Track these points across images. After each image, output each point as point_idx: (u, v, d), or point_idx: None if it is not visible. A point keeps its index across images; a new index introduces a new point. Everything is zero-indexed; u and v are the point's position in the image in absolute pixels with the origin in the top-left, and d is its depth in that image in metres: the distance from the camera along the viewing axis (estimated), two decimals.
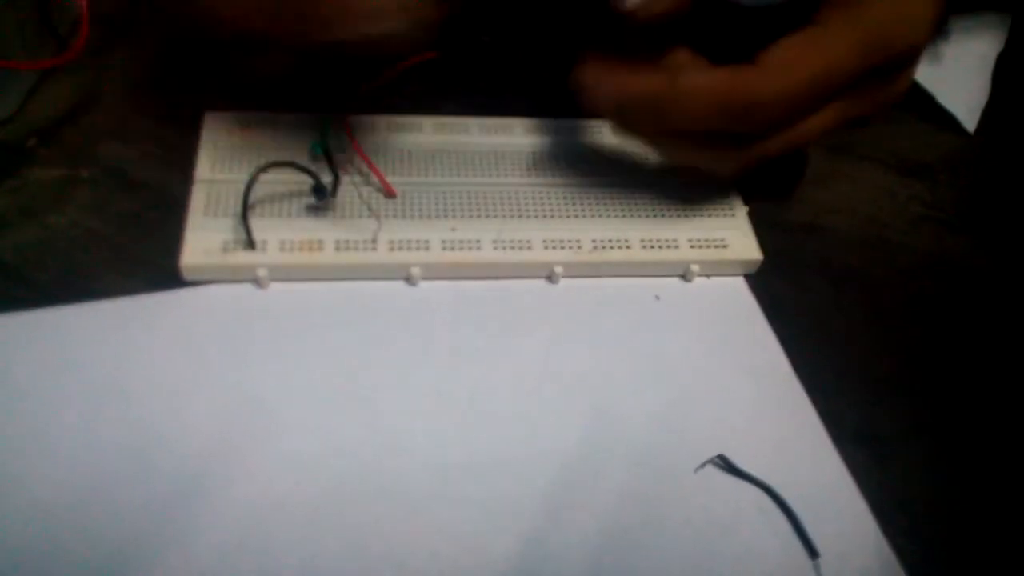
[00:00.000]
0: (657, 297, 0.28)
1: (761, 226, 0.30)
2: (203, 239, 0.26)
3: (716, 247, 0.29)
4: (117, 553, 0.21)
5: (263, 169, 0.25)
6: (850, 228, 0.32)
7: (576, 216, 0.29)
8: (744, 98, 0.23)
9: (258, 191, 0.26)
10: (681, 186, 0.30)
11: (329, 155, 0.26)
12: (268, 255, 0.26)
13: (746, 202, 0.30)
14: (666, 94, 0.24)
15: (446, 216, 0.28)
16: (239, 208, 0.25)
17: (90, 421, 0.23)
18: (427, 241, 0.27)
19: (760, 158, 0.26)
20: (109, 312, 0.25)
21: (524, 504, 0.23)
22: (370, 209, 0.27)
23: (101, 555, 0.20)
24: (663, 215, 0.29)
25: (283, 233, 0.26)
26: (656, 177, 0.30)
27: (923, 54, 0.26)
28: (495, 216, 0.28)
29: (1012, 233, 0.33)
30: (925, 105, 0.36)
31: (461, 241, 0.27)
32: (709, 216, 0.29)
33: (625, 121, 0.26)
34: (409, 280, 0.27)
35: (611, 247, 0.28)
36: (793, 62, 0.23)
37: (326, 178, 0.26)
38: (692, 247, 0.29)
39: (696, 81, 0.24)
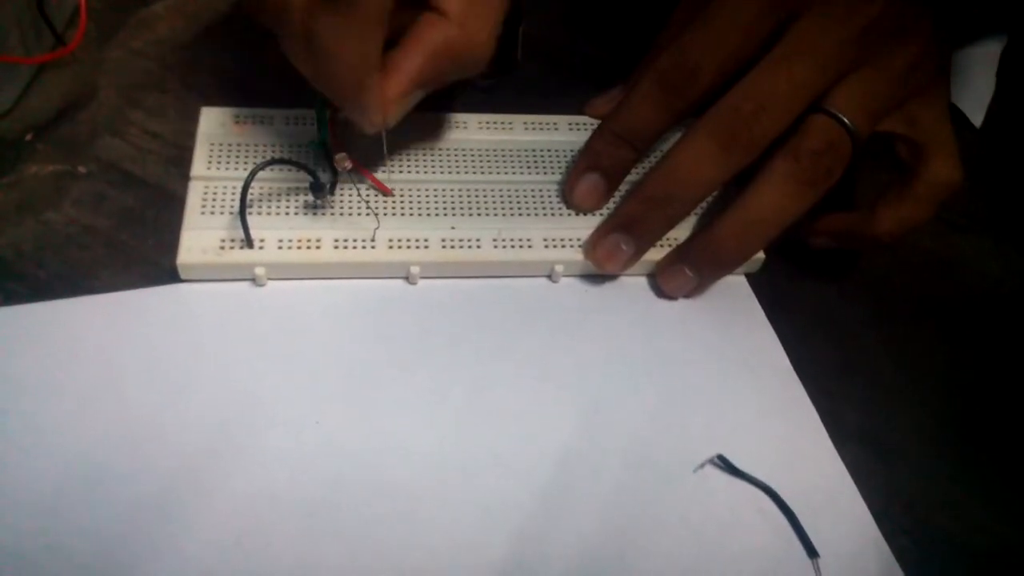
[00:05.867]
0: (658, 295, 0.28)
1: None
2: (200, 238, 0.25)
3: None
4: (112, 547, 0.21)
5: (262, 167, 0.25)
6: None
7: (577, 214, 0.28)
8: None
9: (255, 188, 0.26)
10: None
11: (328, 152, 0.26)
12: (266, 253, 0.26)
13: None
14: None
15: (446, 214, 0.27)
16: (236, 206, 0.25)
17: (86, 415, 0.23)
18: (426, 239, 0.27)
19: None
20: (105, 306, 0.25)
21: (522, 502, 0.23)
22: (369, 207, 0.27)
23: (95, 549, 0.20)
24: None
25: (281, 231, 0.26)
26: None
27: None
28: (495, 214, 0.28)
29: (1018, 231, 0.33)
30: None
31: (461, 240, 0.27)
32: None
33: None
34: (408, 279, 0.27)
35: None
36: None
37: (324, 175, 0.26)
38: None
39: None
